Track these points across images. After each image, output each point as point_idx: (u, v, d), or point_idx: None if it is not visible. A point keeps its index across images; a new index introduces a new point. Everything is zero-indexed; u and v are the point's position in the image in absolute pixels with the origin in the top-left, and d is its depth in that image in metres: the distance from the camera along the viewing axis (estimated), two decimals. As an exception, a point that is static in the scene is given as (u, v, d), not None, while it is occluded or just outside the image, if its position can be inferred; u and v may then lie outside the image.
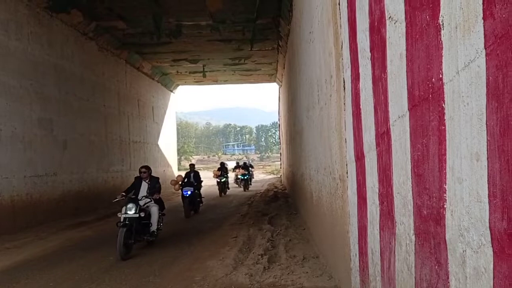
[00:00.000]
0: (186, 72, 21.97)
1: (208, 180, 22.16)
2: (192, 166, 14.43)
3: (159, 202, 8.32)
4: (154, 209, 8.01)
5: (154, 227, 7.93)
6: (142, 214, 7.43)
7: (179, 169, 30.55)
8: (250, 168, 26.28)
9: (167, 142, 23.77)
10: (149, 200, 7.96)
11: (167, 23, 14.16)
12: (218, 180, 19.77)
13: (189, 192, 12.42)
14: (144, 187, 8.15)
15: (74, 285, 5.62)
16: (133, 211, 7.31)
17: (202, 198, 13.96)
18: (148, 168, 8.42)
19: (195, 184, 13.19)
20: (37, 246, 8.33)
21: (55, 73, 11.91)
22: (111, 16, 13.33)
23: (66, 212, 11.81)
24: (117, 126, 16.34)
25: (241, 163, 29.64)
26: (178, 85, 25.54)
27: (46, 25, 11.50)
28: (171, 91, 24.96)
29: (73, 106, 12.86)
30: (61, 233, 9.73)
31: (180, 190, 12.87)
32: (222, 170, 20.14)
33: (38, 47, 11.13)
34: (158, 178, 8.49)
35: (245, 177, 23.31)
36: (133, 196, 7.79)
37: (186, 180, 13.19)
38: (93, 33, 13.97)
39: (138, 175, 8.37)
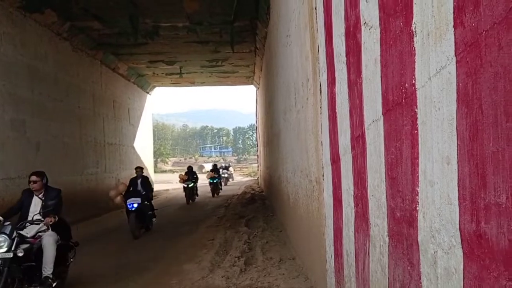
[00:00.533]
0: (162, 73, 21.79)
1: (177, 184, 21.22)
2: (139, 169, 10.95)
3: (60, 229, 5.51)
4: (48, 241, 5.01)
5: (47, 271, 4.89)
6: (21, 253, 4.65)
7: (155, 172, 30.24)
8: (225, 170, 25.94)
9: (143, 144, 23.51)
10: (42, 226, 5.20)
11: (144, 24, 14.02)
12: (185, 186, 17.69)
13: (135, 205, 9.50)
14: (36, 204, 5.48)
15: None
16: (3, 249, 4.60)
17: (155, 211, 10.82)
18: (41, 174, 5.71)
19: (144, 193, 10.20)
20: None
21: (29, 74, 11.64)
22: (86, 16, 13.12)
23: (39, 216, 11.54)
24: (92, 127, 16.08)
25: (220, 166, 29.64)
26: (154, 86, 25.30)
27: (19, 25, 11.24)
28: (148, 92, 24.72)
29: (47, 107, 12.59)
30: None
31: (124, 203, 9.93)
32: (190, 174, 18.07)
33: (11, 48, 10.87)
34: (58, 191, 5.87)
35: (214, 181, 20.87)
36: (6, 223, 4.92)
37: (131, 188, 10.33)
38: (67, 33, 13.72)
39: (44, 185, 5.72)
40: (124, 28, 14.24)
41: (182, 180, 17.95)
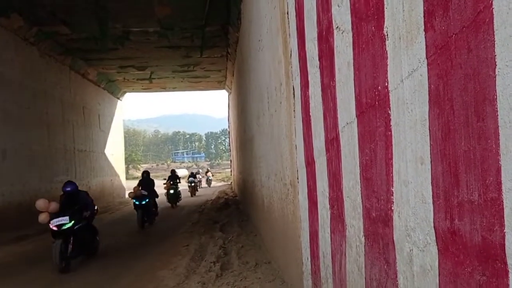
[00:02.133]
0: (133, 79, 21.54)
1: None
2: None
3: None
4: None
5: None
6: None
7: (127, 178, 29.78)
8: (192, 178, 25.55)
9: (114, 151, 23.14)
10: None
11: (114, 29, 13.83)
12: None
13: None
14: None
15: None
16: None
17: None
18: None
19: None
20: (-25, 263, 7.83)
21: (-7, 80, 11.33)
22: (54, 21, 12.85)
23: (7, 225, 11.18)
24: (61, 134, 15.72)
25: (195, 171, 30.68)
26: (125, 92, 24.97)
27: (-18, 29, 10.94)
28: (118, 98, 24.37)
29: (13, 114, 12.25)
30: (2, 248, 9.21)
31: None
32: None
33: (-26, 52, 10.55)
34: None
35: (173, 192, 18.30)
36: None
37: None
38: (34, 38, 13.41)
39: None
40: (93, 33, 14.02)
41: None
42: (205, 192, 28.13)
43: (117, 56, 16.74)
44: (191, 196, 24.28)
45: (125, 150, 31.27)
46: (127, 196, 20.19)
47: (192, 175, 27.31)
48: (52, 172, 14.75)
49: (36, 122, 13.72)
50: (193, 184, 25.28)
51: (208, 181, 37.79)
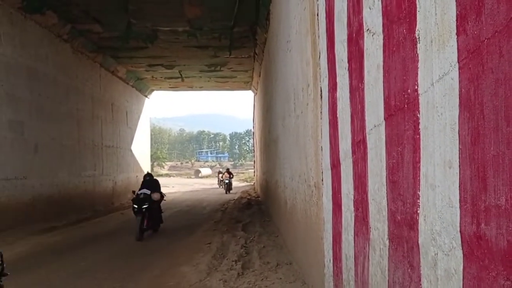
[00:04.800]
0: (161, 77, 21.85)
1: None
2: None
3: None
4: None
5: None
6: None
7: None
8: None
9: (140, 148, 23.52)
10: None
11: (144, 28, 14.08)
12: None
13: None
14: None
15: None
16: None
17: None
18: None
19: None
20: (4, 251, 8.07)
21: (28, 75, 11.68)
22: (86, 19, 13.18)
23: (36, 217, 11.52)
24: (90, 130, 16.09)
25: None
26: (153, 90, 25.34)
27: (19, 26, 11.28)
28: (146, 96, 24.76)
29: (45, 109, 12.61)
30: (30, 238, 9.49)
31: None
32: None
33: (11, 48, 10.90)
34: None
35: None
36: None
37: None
38: (68, 35, 13.77)
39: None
40: (122, 32, 14.30)
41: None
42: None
43: (146, 54, 17.02)
44: (226, 193, 25.73)
45: (151, 147, 31.77)
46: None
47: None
48: (81, 166, 15.11)
49: (67, 117, 14.09)
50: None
51: (224, 184, 27.84)
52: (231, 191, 26.48)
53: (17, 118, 11.15)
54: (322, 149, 4.02)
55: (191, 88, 25.59)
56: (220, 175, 31.28)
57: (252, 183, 34.20)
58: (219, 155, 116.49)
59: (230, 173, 28.44)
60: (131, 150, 21.70)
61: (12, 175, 10.80)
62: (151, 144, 34.76)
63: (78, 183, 14.74)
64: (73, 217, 12.70)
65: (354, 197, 2.94)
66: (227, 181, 27.20)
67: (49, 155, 12.71)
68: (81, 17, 13.00)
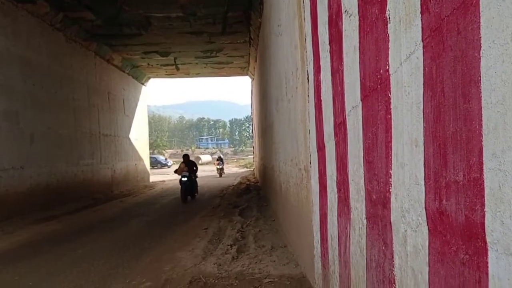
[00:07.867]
0: (157, 64, 21.74)
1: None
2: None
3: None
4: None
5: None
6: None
7: (151, 163, 30.40)
8: (222, 162, 31.99)
9: (139, 136, 23.52)
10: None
11: (136, 15, 13.97)
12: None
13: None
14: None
15: (41, 277, 5.58)
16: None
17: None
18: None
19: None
20: (3, 241, 8.18)
21: (21, 65, 11.63)
22: (78, 7, 13.07)
23: (35, 206, 11.60)
24: (86, 119, 16.08)
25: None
26: (149, 78, 25.24)
27: (11, 16, 11.20)
28: (143, 84, 24.67)
29: (41, 98, 12.59)
30: (29, 227, 9.57)
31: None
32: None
33: (3, 38, 10.84)
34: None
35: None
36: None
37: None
38: (60, 24, 13.68)
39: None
40: (117, 19, 14.20)
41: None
42: (227, 177, 28.54)
43: (141, 41, 16.92)
44: (219, 176, 30.01)
45: (151, 135, 32.14)
46: (151, 180, 25.23)
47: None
48: (78, 155, 15.14)
49: (62, 107, 14.06)
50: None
51: (218, 170, 31.00)
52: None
53: (12, 108, 11.14)
54: (309, 132, 4.04)
55: (187, 75, 25.48)
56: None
57: (252, 169, 34.29)
58: (220, 141, 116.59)
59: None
60: (129, 138, 21.71)
61: (9, 165, 10.84)
62: (151, 132, 35.04)
63: (76, 172, 14.79)
64: (73, 206, 12.78)
65: (337, 179, 2.97)
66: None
67: (46, 144, 12.73)
68: (73, 5, 12.89)
